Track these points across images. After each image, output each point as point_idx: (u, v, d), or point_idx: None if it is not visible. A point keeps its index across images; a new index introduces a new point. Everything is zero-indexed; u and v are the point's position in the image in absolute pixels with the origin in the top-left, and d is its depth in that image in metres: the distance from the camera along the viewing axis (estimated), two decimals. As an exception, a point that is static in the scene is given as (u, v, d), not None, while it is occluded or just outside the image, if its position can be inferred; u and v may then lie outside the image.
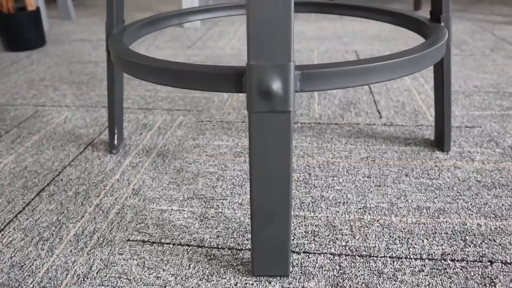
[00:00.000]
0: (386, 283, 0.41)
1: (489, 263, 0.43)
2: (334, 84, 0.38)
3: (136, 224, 0.51)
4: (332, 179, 0.58)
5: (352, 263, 0.43)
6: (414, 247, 0.45)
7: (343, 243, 0.46)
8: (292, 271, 0.43)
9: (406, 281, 0.41)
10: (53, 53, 1.30)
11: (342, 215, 0.51)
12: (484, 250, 0.44)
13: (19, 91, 0.98)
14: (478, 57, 1.12)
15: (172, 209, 0.53)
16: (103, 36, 1.51)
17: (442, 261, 0.43)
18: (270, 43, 0.34)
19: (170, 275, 0.43)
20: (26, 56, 1.28)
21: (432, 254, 0.44)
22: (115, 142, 0.66)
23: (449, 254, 0.44)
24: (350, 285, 0.41)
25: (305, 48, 1.23)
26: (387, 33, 1.40)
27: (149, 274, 0.43)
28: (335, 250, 0.45)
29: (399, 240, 0.46)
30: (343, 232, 0.48)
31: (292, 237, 0.47)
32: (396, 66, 0.40)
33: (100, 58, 1.22)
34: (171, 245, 0.47)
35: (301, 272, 0.42)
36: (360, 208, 0.52)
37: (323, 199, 0.54)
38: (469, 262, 0.43)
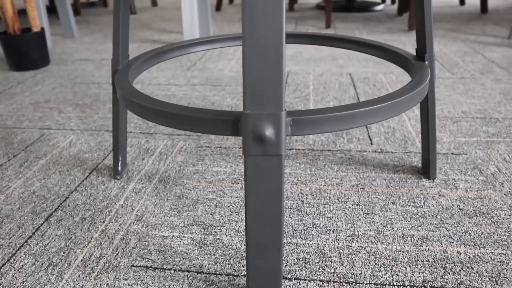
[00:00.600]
0: (370, 310, 0.44)
1: (466, 291, 0.46)
2: (321, 129, 0.42)
3: (140, 250, 0.54)
4: (324, 207, 0.62)
5: (340, 290, 0.47)
6: (397, 274, 0.49)
7: (332, 270, 0.50)
8: (284, 297, 0.46)
9: (389, 308, 0.44)
10: (57, 73, 1.34)
11: (331, 242, 0.54)
12: (462, 278, 0.48)
13: (25, 113, 1.02)
14: (468, 80, 1.16)
15: (173, 236, 0.57)
16: (105, 55, 1.55)
17: (423, 288, 0.47)
18: (263, 94, 0.38)
19: (171, 301, 0.46)
20: (31, 76, 1.32)
21: (414, 281, 0.48)
22: (119, 168, 0.70)
23: (430, 281, 0.48)
24: (337, 311, 0.44)
25: (302, 70, 1.28)
26: (381, 54, 1.45)
27: (152, 300, 0.46)
28: (324, 276, 0.49)
29: (384, 268, 0.50)
30: (332, 259, 0.51)
31: (284, 264, 0.51)
32: (379, 111, 0.44)
33: (103, 79, 1.26)
34: (172, 271, 0.50)
35: (293, 299, 0.46)
36: (348, 236, 0.55)
37: (314, 226, 0.57)
38: (447, 289, 0.47)
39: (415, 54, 0.66)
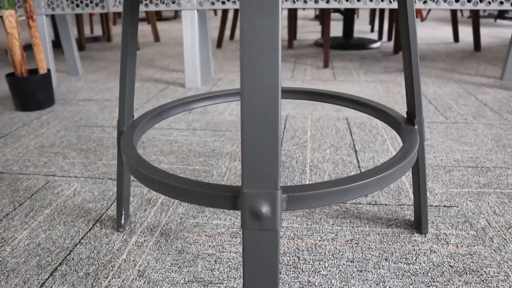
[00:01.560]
0: None
1: None
2: (314, 204, 0.45)
3: (141, 309, 0.56)
4: (319, 263, 0.64)
5: None
6: (389, 337, 0.51)
7: (327, 332, 0.52)
8: None
9: None
10: (61, 114, 1.38)
11: (326, 302, 0.56)
12: None
13: (30, 157, 1.05)
14: (461, 125, 1.20)
15: (173, 293, 0.59)
16: (108, 95, 1.59)
17: None
18: (260, 175, 0.41)
19: None
20: (36, 117, 1.36)
21: None
22: (122, 221, 0.73)
23: None
24: None
25: (300, 114, 1.32)
26: (377, 98, 1.49)
27: None
28: None
29: (377, 330, 0.52)
30: (327, 320, 0.53)
31: (281, 326, 0.53)
32: (370, 185, 0.47)
33: (106, 121, 1.30)
34: (172, 332, 0.52)
35: None
36: (343, 295, 0.58)
37: (310, 284, 0.60)
38: None
39: (405, 116, 0.69)
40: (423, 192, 0.68)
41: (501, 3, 1.53)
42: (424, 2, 1.57)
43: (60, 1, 1.66)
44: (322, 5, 1.59)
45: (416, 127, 0.62)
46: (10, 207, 0.83)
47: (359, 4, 1.59)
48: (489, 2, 1.53)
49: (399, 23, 0.60)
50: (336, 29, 3.65)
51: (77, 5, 1.67)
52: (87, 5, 1.67)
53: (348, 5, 1.59)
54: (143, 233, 0.73)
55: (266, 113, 0.39)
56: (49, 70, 1.47)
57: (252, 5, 0.36)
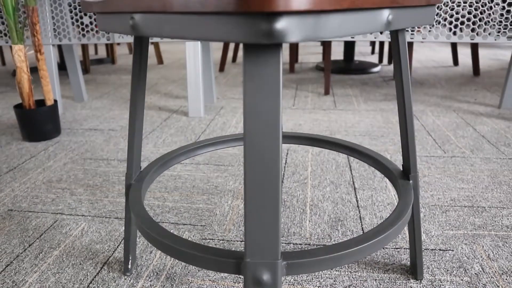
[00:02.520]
0: None
1: None
2: (313, 269, 0.47)
3: None
4: (319, 312, 0.66)
5: None
6: None
7: None
8: None
9: None
10: (67, 145, 1.41)
11: None
12: None
13: (38, 194, 1.08)
14: (459, 160, 1.23)
15: None
16: (113, 125, 1.63)
17: None
18: (262, 246, 0.44)
19: None
20: (43, 148, 1.39)
21: None
22: (129, 266, 0.75)
23: None
24: None
25: (301, 148, 1.35)
26: (377, 129, 1.52)
27: None
28: None
29: None
30: None
31: None
32: (366, 249, 0.50)
33: (111, 154, 1.33)
34: None
35: None
36: None
37: (309, 335, 0.62)
38: None
39: (401, 169, 0.72)
40: (418, 240, 0.71)
41: (498, 36, 1.57)
42: (423, 39, 1.61)
43: (67, 32, 1.71)
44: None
45: (411, 182, 0.65)
46: (20, 248, 0.86)
47: (359, 37, 1.63)
48: (487, 36, 1.57)
49: (394, 72, 0.63)
50: (337, 50, 3.70)
51: (83, 35, 1.71)
52: (93, 35, 1.71)
53: (348, 38, 1.63)
54: (149, 277, 0.75)
55: (267, 194, 0.42)
56: (55, 101, 1.50)
57: (255, 59, 0.39)
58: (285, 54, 3.40)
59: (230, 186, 1.09)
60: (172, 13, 0.39)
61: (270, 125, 0.40)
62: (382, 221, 0.92)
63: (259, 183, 0.41)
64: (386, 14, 0.44)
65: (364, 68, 2.58)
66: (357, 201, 1.00)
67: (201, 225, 0.91)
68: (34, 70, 2.78)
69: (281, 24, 0.34)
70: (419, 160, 1.23)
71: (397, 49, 0.59)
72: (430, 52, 3.42)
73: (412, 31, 1.64)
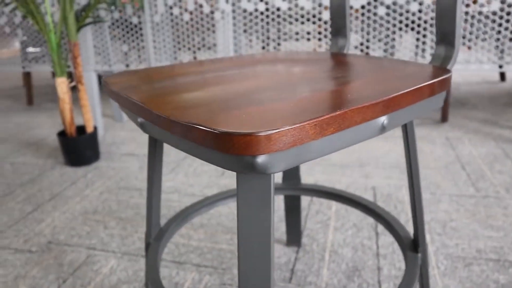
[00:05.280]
0: None
1: None
2: None
3: None
4: None
5: None
6: None
7: None
8: None
9: None
10: (105, 172, 1.49)
11: None
12: None
13: (75, 225, 1.15)
14: (491, 201, 1.19)
15: None
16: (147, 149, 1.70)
17: None
18: None
19: None
20: (82, 174, 1.48)
21: None
22: (149, 314, 0.79)
23: None
24: None
25: (327, 180, 1.35)
26: (407, 160, 1.50)
27: None
28: None
29: None
30: None
31: None
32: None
33: (144, 184, 1.39)
34: None
35: None
36: None
37: None
38: None
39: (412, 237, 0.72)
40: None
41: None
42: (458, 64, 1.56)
43: (108, 59, 1.80)
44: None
45: (419, 255, 0.65)
46: (55, 285, 0.92)
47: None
48: (527, 64, 1.50)
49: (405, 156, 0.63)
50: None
51: (127, 62, 1.80)
52: (131, 63, 1.79)
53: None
54: (167, 327, 0.79)
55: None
56: (95, 128, 1.59)
57: (246, 184, 0.41)
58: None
59: (253, 225, 1.11)
60: (174, 133, 0.42)
61: (261, 249, 0.42)
62: (400, 273, 0.91)
63: None
64: (380, 121, 0.44)
65: (402, 86, 2.52)
66: (377, 248, 1.00)
67: (222, 268, 0.95)
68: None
69: (263, 159, 0.36)
70: (449, 200, 1.20)
71: (405, 137, 0.59)
72: (475, 64, 3.28)
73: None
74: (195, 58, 1.93)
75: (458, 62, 1.66)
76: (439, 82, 0.52)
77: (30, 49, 2.07)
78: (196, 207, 0.81)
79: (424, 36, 1.70)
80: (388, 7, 1.50)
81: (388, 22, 1.51)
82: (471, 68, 1.60)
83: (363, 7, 1.51)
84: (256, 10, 1.44)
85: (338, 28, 0.80)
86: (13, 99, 2.74)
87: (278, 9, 1.55)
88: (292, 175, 0.90)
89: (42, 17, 1.38)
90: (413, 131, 0.59)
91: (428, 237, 1.03)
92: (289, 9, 1.54)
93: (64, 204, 1.27)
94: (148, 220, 0.72)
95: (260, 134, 0.34)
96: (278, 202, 1.23)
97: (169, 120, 0.40)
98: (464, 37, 1.62)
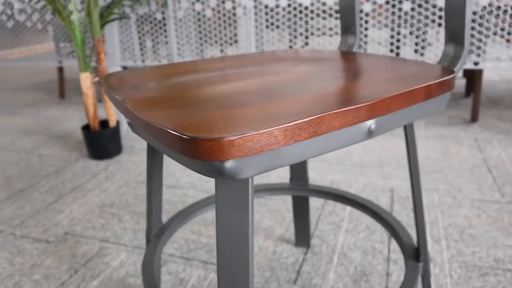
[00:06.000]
0: None
1: None
2: None
3: None
4: None
5: None
6: None
7: None
8: None
9: None
10: (125, 166, 1.52)
11: None
12: None
13: (91, 218, 1.18)
14: (516, 206, 1.13)
15: None
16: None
17: None
18: None
19: None
20: (104, 167, 1.51)
21: None
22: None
23: None
24: None
25: (345, 181, 1.33)
26: (431, 162, 1.45)
27: None
28: None
29: None
30: None
31: None
32: None
33: (163, 180, 1.41)
34: None
35: None
36: None
37: None
38: None
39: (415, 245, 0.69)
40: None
41: None
42: (476, 63, 1.49)
43: (133, 54, 1.83)
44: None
45: (420, 265, 0.62)
46: (67, 275, 0.95)
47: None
48: None
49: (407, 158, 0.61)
50: (411, 57, 3.53)
51: (147, 57, 1.82)
52: (154, 58, 1.81)
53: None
54: (169, 322, 0.80)
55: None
56: (118, 122, 1.62)
57: (225, 189, 0.41)
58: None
59: (265, 224, 1.10)
60: (150, 136, 0.42)
61: (240, 255, 0.41)
62: (411, 280, 0.88)
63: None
64: (366, 125, 0.43)
65: (433, 84, 2.43)
66: (389, 252, 0.97)
67: (228, 267, 0.94)
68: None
69: (231, 164, 0.35)
70: (470, 205, 1.15)
71: (406, 141, 0.56)
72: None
73: (478, 54, 1.52)
74: (222, 51, 1.94)
75: (491, 60, 1.58)
76: (438, 84, 0.49)
77: (62, 45, 2.13)
78: (201, 204, 0.81)
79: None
80: (413, 1, 1.45)
81: (412, 17, 1.46)
82: (501, 65, 1.52)
83: (387, 2, 1.47)
84: (277, 6, 1.43)
85: (347, 26, 0.77)
86: (47, 92, 2.83)
87: (300, 5, 1.52)
88: (299, 175, 0.88)
89: (68, 14, 1.41)
90: (413, 135, 0.56)
91: (443, 243, 0.99)
92: (312, 4, 1.51)
93: (83, 196, 1.31)
94: (148, 217, 0.73)
95: (224, 139, 0.33)
96: (287, 202, 1.22)
97: (145, 122, 0.40)
98: (503, 30, 1.55)
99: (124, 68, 3.06)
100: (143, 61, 1.83)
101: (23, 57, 3.66)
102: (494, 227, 1.05)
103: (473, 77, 2.24)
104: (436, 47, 1.71)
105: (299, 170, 0.88)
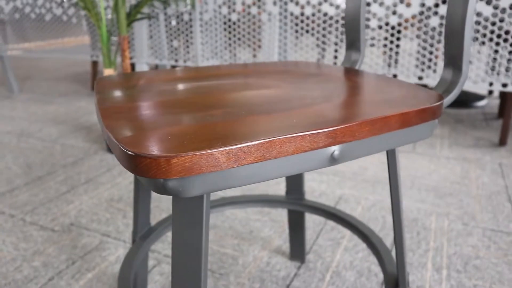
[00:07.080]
0: None
1: None
2: None
3: None
4: None
5: None
6: None
7: None
8: None
9: None
10: (141, 163, 1.55)
11: None
12: None
13: (98, 211, 1.21)
14: (531, 240, 1.08)
15: None
16: (188, 144, 1.74)
17: None
18: None
19: None
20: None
21: None
22: (135, 309, 0.81)
23: None
24: None
25: (354, 197, 1.30)
26: (449, 184, 1.39)
27: None
28: None
29: None
30: None
31: None
32: None
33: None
34: None
35: None
36: None
37: None
38: None
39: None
40: None
41: None
42: (504, 85, 1.42)
43: (159, 52, 1.86)
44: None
45: (399, 294, 0.60)
46: (64, 265, 0.98)
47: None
48: None
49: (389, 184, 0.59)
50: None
51: (171, 57, 1.85)
52: (180, 58, 1.84)
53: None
54: (151, 324, 0.81)
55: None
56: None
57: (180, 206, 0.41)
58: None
59: (264, 233, 1.10)
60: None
61: (192, 271, 0.41)
62: (402, 307, 0.85)
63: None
64: (327, 152, 0.41)
65: (465, 101, 2.35)
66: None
67: (220, 273, 0.94)
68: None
69: (174, 183, 0.35)
70: (481, 235, 1.10)
71: (388, 165, 0.54)
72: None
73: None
74: (254, 56, 1.94)
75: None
76: (418, 112, 0.47)
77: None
78: (191, 210, 0.81)
79: (496, 51, 1.57)
80: (442, 17, 1.40)
81: (440, 33, 1.41)
82: (535, 90, 1.45)
83: (413, 16, 1.43)
84: (302, 14, 1.42)
85: (352, 41, 0.76)
86: (81, 84, 2.93)
87: (325, 14, 1.50)
88: (294, 188, 0.87)
89: (96, 11, 1.46)
90: (394, 161, 0.54)
91: (444, 273, 0.95)
92: (337, 14, 1.49)
93: (95, 189, 1.34)
94: (135, 218, 0.74)
95: (160, 158, 0.33)
96: (283, 215, 1.20)
97: (104, 127, 0.40)
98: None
99: (156, 67, 3.12)
100: (176, 60, 1.86)
101: (61, 49, 3.80)
102: (503, 261, 1.00)
103: (505, 97, 2.14)
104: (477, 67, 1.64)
105: (294, 184, 0.86)
